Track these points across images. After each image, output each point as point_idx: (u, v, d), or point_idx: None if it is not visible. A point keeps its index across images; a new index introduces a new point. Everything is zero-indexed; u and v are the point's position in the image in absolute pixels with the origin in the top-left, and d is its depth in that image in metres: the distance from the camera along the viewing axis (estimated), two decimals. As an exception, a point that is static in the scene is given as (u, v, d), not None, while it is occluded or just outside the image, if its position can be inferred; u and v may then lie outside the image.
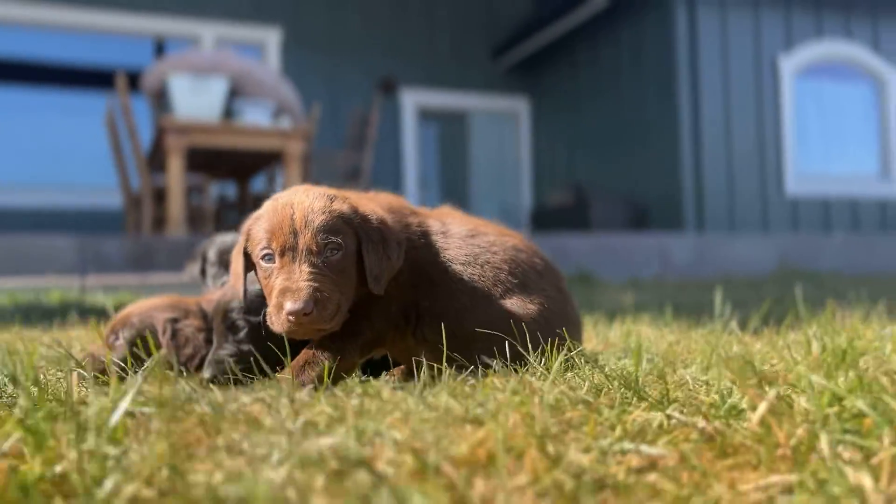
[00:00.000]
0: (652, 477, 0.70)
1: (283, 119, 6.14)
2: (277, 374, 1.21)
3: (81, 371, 1.29)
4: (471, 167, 10.50)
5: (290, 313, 1.19)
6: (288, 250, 1.26)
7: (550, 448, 0.75)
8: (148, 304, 1.45)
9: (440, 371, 1.18)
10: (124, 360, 1.34)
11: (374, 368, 1.49)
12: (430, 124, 10.50)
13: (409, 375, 1.40)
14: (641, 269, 5.93)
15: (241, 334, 1.34)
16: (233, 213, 7.24)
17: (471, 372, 1.26)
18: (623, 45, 8.56)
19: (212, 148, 5.71)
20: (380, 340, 1.38)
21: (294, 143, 5.90)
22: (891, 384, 0.81)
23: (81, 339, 1.91)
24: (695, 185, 7.73)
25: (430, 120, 10.41)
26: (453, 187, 10.63)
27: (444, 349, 1.30)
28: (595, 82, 9.06)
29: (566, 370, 1.26)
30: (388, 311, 1.38)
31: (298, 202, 1.31)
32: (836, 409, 0.75)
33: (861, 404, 0.70)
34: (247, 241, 1.34)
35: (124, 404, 0.75)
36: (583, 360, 1.30)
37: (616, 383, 1.03)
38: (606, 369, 1.15)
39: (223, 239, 1.68)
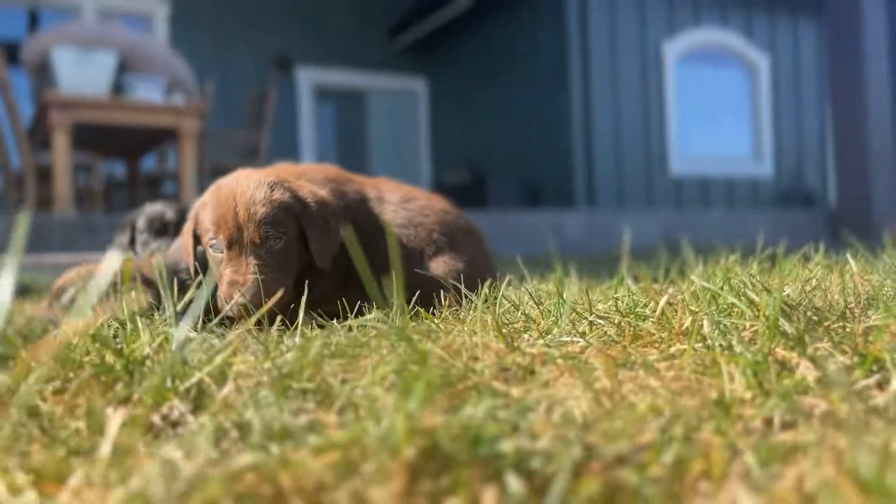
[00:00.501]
0: (588, 353, 0.85)
1: (176, 95, 5.97)
2: None
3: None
4: (369, 146, 10.51)
5: (238, 304, 1.31)
6: (234, 243, 1.39)
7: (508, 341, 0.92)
8: (87, 270, 1.46)
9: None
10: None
11: None
12: (327, 103, 10.42)
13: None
14: (537, 245, 6.17)
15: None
16: (121, 193, 6.99)
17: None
18: (517, 29, 8.79)
19: (100, 124, 5.50)
20: (324, 298, 1.47)
21: (189, 121, 5.76)
22: (751, 285, 1.01)
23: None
24: (585, 165, 8.07)
25: (327, 98, 10.33)
26: (352, 166, 10.55)
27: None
28: (490, 64, 9.25)
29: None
30: (332, 273, 1.51)
31: (241, 193, 1.42)
32: (714, 306, 0.92)
33: (731, 298, 0.86)
34: (195, 224, 1.47)
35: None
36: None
37: (547, 298, 1.18)
38: (538, 291, 1.30)
39: (152, 208, 1.71)
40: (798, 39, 9.45)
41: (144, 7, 8.91)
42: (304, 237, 1.46)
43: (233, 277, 1.35)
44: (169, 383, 0.76)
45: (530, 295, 1.35)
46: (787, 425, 0.61)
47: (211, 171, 6.31)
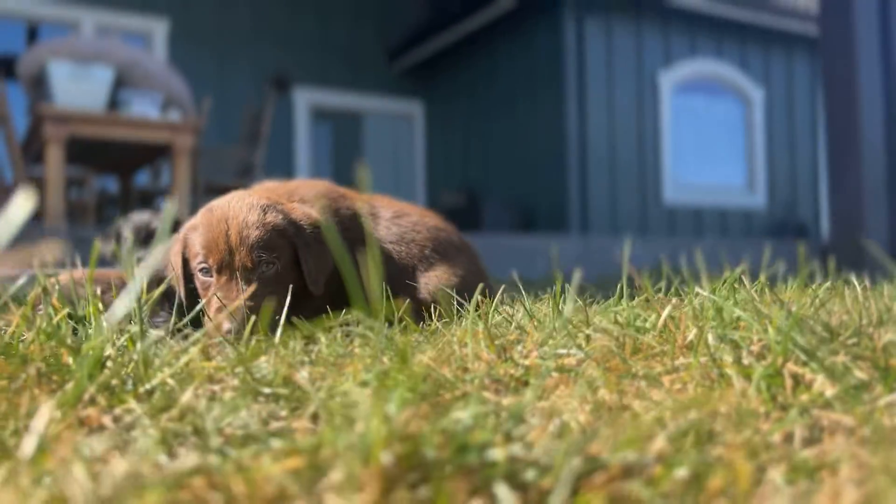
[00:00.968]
0: (585, 366, 0.79)
1: (172, 112, 5.93)
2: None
3: None
4: (360, 172, 10.48)
5: (227, 332, 1.21)
6: (224, 267, 1.33)
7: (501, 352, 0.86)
8: (66, 279, 1.40)
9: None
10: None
11: None
12: (323, 123, 10.41)
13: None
14: (530, 269, 6.12)
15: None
16: (114, 208, 6.92)
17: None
18: (515, 55, 8.82)
19: (95, 139, 5.45)
20: (316, 315, 1.41)
21: (183, 137, 5.71)
22: (760, 297, 0.95)
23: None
24: (580, 192, 8.06)
25: (323, 119, 10.32)
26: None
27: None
28: (487, 90, 9.27)
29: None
30: (323, 295, 1.46)
31: (233, 217, 1.36)
32: (717, 319, 0.86)
33: (737, 310, 0.80)
34: (184, 247, 1.39)
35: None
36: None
37: (542, 314, 1.12)
38: (532, 309, 1.24)
39: (139, 217, 1.67)
40: (792, 72, 9.51)
41: (143, 24, 8.92)
42: (297, 260, 1.41)
43: (222, 304, 1.28)
44: (130, 385, 0.70)
45: (525, 308, 1.29)
46: (806, 441, 0.55)
47: (205, 189, 6.26)
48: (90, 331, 0.75)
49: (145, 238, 1.74)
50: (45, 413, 0.42)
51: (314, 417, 0.65)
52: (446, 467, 0.43)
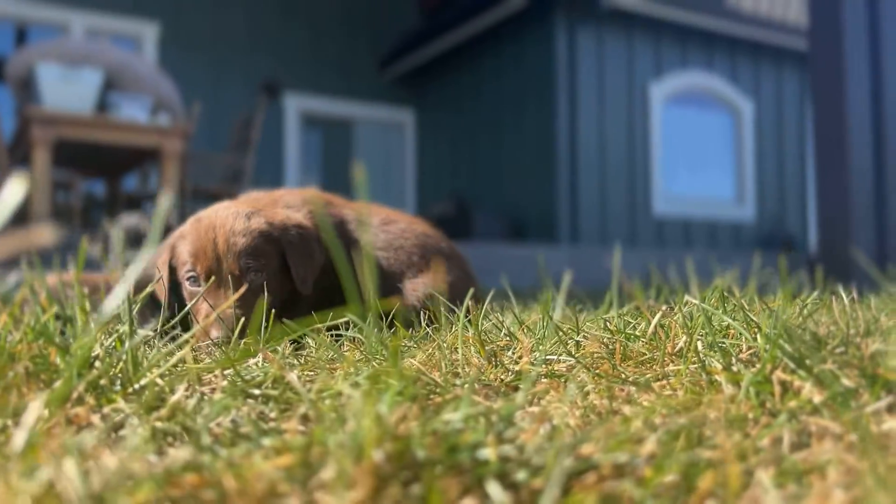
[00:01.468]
0: (576, 372, 0.80)
1: (161, 116, 5.91)
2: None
3: None
4: (355, 175, 10.48)
5: (215, 338, 1.23)
6: (213, 275, 1.34)
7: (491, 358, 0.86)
8: (54, 280, 1.39)
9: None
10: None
11: None
12: (314, 130, 10.41)
13: None
14: (520, 278, 6.13)
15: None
16: (101, 212, 6.88)
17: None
18: (506, 65, 8.86)
19: (83, 142, 5.42)
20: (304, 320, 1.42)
21: (172, 142, 5.69)
22: (749, 305, 0.95)
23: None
24: (570, 202, 8.08)
25: (314, 126, 10.32)
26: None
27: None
28: (478, 99, 9.30)
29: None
30: (312, 296, 1.47)
31: (220, 225, 1.38)
32: (707, 327, 0.87)
33: (727, 318, 0.81)
34: (171, 256, 1.40)
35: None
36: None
37: (532, 322, 1.12)
38: (521, 316, 1.24)
39: (128, 219, 1.66)
40: (781, 86, 9.60)
41: (133, 27, 8.89)
42: (286, 264, 1.41)
43: (210, 311, 1.28)
44: (118, 385, 0.69)
45: (514, 315, 1.29)
46: (795, 446, 0.56)
47: (193, 194, 6.23)
48: (78, 330, 0.75)
49: (134, 241, 1.73)
50: (35, 410, 0.41)
51: (304, 419, 0.65)
52: (437, 466, 0.43)
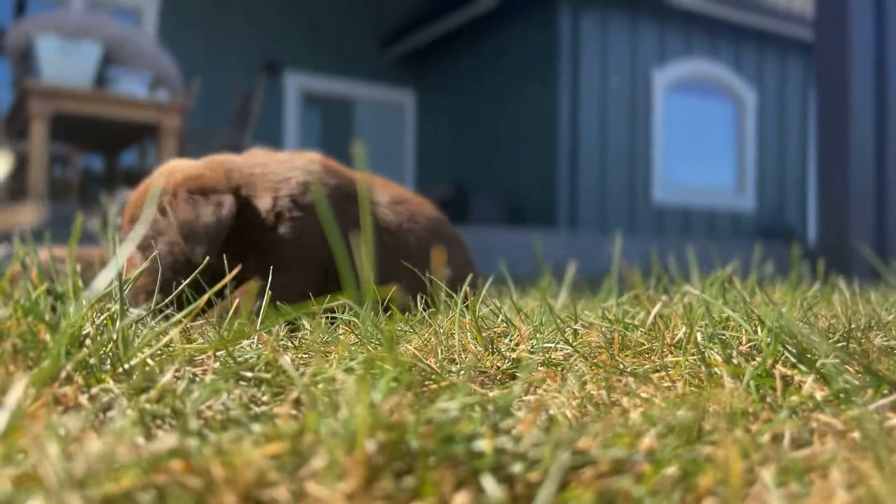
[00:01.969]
0: (573, 361, 0.79)
1: (160, 91, 5.86)
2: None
3: None
4: (352, 152, 10.43)
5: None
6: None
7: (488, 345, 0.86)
8: (46, 256, 1.37)
9: None
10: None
11: None
12: (314, 109, 10.34)
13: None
14: (517, 264, 6.12)
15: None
16: (98, 187, 6.85)
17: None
18: (508, 48, 8.80)
19: (81, 116, 5.38)
20: (305, 296, 1.38)
21: (170, 117, 5.65)
22: (750, 296, 0.94)
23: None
24: (569, 188, 8.06)
25: (314, 105, 10.26)
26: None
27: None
28: (479, 81, 9.24)
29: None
30: (308, 269, 1.42)
31: (144, 185, 1.40)
32: (707, 318, 0.86)
33: (727, 310, 0.80)
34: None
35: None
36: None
37: (529, 309, 1.11)
38: (519, 303, 1.23)
39: (127, 194, 1.64)
40: (785, 76, 9.55)
41: (133, 1, 8.80)
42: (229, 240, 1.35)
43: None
44: (108, 364, 0.68)
45: (512, 302, 1.28)
46: (797, 443, 0.55)
47: (191, 170, 6.19)
48: (69, 307, 0.74)
49: None
50: (19, 389, 0.40)
51: (297, 403, 0.64)
52: (432, 457, 0.42)
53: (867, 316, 1.14)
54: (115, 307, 0.74)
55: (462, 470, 0.41)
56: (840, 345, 0.84)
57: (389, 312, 1.28)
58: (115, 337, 0.68)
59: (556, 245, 6.83)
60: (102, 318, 0.78)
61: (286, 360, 0.63)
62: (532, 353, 0.88)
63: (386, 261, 1.47)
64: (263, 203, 1.39)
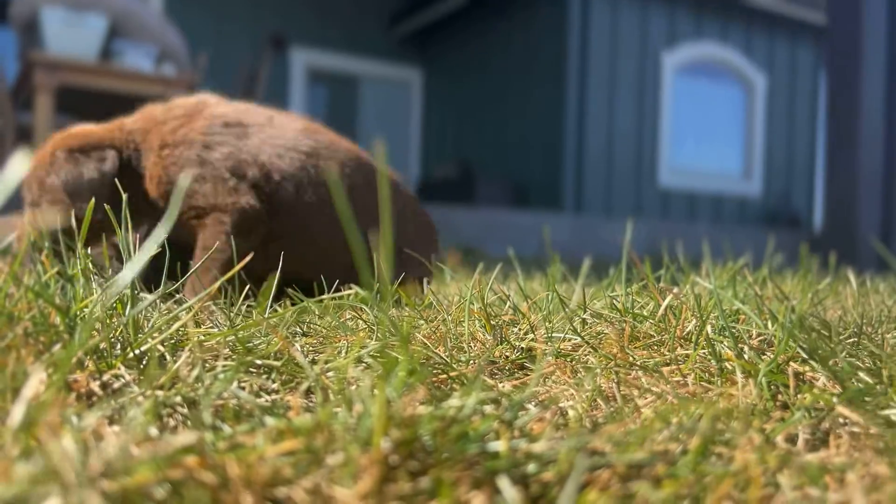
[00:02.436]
0: (582, 351, 0.79)
1: (166, 65, 5.83)
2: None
3: None
4: (360, 133, 10.40)
5: None
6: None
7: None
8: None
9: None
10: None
11: None
12: (320, 86, 10.28)
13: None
14: (522, 246, 6.11)
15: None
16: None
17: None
18: (517, 28, 8.72)
19: (86, 89, 5.36)
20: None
21: (176, 92, 5.62)
22: (761, 287, 0.94)
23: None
24: (575, 170, 8.02)
25: (320, 82, 10.20)
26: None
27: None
28: (487, 61, 9.17)
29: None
30: (223, 229, 1.33)
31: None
32: (718, 310, 0.86)
33: (737, 303, 0.80)
34: None
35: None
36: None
37: (536, 296, 1.11)
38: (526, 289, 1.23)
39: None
40: (795, 60, 9.46)
41: (141, -26, 8.71)
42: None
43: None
44: (118, 350, 0.68)
45: (519, 287, 1.27)
46: (810, 443, 0.54)
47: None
48: (80, 290, 0.73)
49: None
50: (35, 382, 0.40)
51: (308, 392, 0.64)
52: (447, 456, 0.41)
53: (877, 307, 1.13)
54: (126, 292, 0.74)
55: (477, 470, 0.41)
56: (851, 340, 0.84)
57: (397, 296, 1.28)
58: (125, 322, 0.68)
59: (561, 227, 6.82)
60: (112, 301, 0.78)
61: (297, 349, 0.63)
62: (542, 343, 0.88)
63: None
64: (146, 159, 1.36)
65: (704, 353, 0.80)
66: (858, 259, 5.84)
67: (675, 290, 0.98)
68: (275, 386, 0.66)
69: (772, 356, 0.72)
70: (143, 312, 0.78)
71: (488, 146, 9.11)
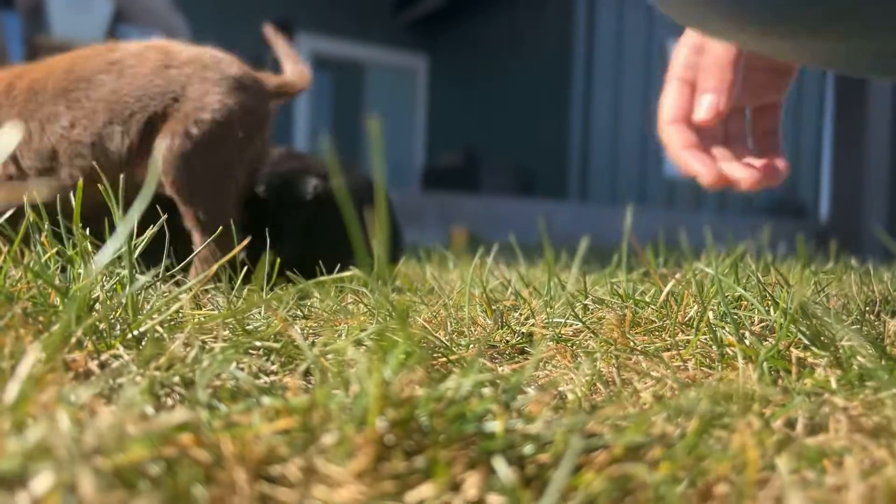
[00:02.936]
0: (583, 336, 0.79)
1: (171, 51, 5.82)
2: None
3: None
4: (365, 121, 10.37)
5: None
6: None
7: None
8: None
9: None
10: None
11: None
12: (325, 73, 10.26)
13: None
14: (527, 234, 6.11)
15: None
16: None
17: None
18: (523, 15, 8.67)
19: (91, 73, 5.35)
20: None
21: (182, 78, 5.61)
22: (763, 274, 0.94)
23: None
24: (581, 158, 8.00)
25: (325, 68, 10.17)
26: (346, 140, 10.48)
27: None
28: (493, 48, 9.14)
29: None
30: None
31: None
32: (720, 297, 0.86)
33: (739, 289, 0.80)
34: None
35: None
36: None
37: (538, 282, 1.11)
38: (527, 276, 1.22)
39: None
40: (804, 50, 9.38)
41: (146, -41, 8.68)
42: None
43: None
44: (118, 330, 0.68)
45: (519, 274, 1.27)
46: (809, 427, 0.54)
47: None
48: (79, 271, 0.73)
49: None
50: (31, 359, 0.40)
51: (306, 374, 0.64)
52: (443, 436, 0.41)
53: (881, 295, 1.13)
54: (125, 272, 0.74)
55: (473, 450, 0.41)
56: (854, 327, 0.84)
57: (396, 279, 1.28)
58: (124, 302, 0.68)
59: (566, 215, 6.81)
60: (112, 282, 0.78)
61: (296, 331, 0.63)
62: (543, 327, 0.88)
63: None
64: None
65: (706, 339, 0.79)
66: (864, 249, 5.82)
67: (678, 275, 0.98)
68: (273, 367, 0.66)
69: (773, 342, 0.72)
70: (143, 293, 0.78)
71: (493, 134, 9.09)
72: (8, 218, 1.04)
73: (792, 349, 0.74)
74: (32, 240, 0.75)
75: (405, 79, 10.39)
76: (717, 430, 0.49)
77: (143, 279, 0.66)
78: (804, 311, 0.78)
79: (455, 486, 0.38)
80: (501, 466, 0.38)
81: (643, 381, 0.65)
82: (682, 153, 0.99)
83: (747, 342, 0.75)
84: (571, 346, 0.78)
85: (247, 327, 0.72)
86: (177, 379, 0.56)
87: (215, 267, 0.69)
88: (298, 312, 0.91)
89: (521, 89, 8.60)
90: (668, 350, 0.78)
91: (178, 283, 1.07)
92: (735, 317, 0.83)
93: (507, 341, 0.82)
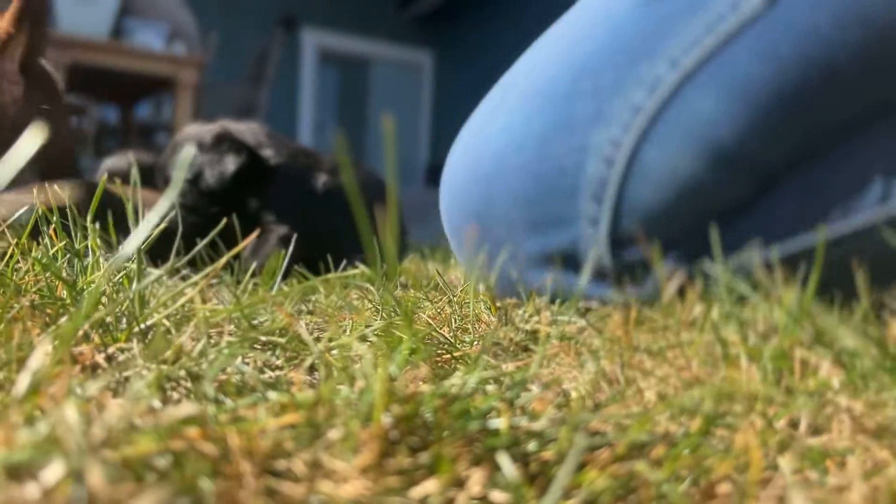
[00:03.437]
0: (587, 334, 0.79)
1: (176, 44, 5.83)
2: None
3: None
4: (370, 115, 10.39)
5: None
6: None
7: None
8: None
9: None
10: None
11: None
12: (331, 68, 10.26)
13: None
14: (530, 230, 6.11)
15: None
16: (114, 140, 6.85)
17: None
18: (529, 10, 8.66)
19: (96, 67, 5.36)
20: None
21: (187, 72, 5.62)
22: (766, 275, 0.95)
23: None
24: (586, 155, 7.99)
25: (331, 64, 10.17)
26: (351, 135, 10.48)
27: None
28: (499, 44, 9.12)
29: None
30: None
31: None
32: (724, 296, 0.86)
33: (744, 288, 0.80)
34: None
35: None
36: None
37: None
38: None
39: (112, 161, 1.56)
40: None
41: (152, -48, 8.69)
42: None
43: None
44: (125, 324, 0.69)
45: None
46: (812, 427, 0.54)
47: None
48: (87, 264, 0.74)
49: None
50: (41, 353, 0.40)
51: (311, 369, 0.64)
52: (448, 432, 0.42)
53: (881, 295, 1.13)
54: (133, 265, 0.75)
55: (477, 447, 0.41)
56: (857, 327, 0.84)
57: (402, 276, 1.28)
58: (131, 296, 0.68)
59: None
60: (119, 276, 0.78)
61: (302, 326, 0.63)
62: (548, 325, 0.88)
63: None
64: None
65: (710, 339, 0.80)
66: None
67: (683, 273, 0.98)
68: (279, 362, 0.66)
69: (777, 342, 0.72)
70: (150, 287, 0.78)
71: (498, 130, 9.07)
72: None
73: (797, 348, 0.74)
74: (41, 232, 0.75)
75: (410, 74, 10.38)
76: (720, 429, 0.49)
77: (155, 273, 0.66)
78: (807, 308, 0.78)
79: (459, 483, 0.38)
80: (506, 463, 0.38)
81: (647, 379, 0.65)
82: None
83: (752, 342, 0.75)
84: (575, 344, 0.79)
85: (252, 322, 0.72)
86: (183, 372, 0.56)
87: (222, 261, 0.70)
88: (304, 308, 0.92)
89: (526, 86, 8.57)
90: (673, 349, 0.78)
91: (183, 278, 1.08)
92: (739, 317, 0.83)
93: (512, 338, 0.82)
